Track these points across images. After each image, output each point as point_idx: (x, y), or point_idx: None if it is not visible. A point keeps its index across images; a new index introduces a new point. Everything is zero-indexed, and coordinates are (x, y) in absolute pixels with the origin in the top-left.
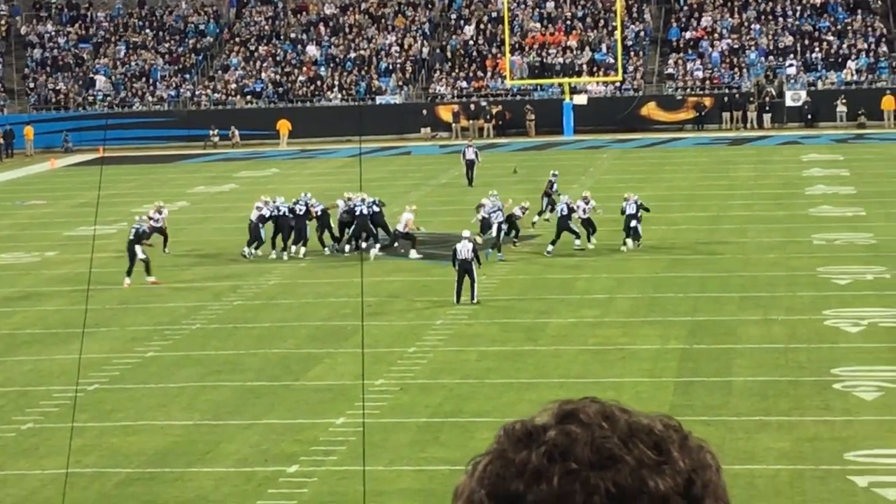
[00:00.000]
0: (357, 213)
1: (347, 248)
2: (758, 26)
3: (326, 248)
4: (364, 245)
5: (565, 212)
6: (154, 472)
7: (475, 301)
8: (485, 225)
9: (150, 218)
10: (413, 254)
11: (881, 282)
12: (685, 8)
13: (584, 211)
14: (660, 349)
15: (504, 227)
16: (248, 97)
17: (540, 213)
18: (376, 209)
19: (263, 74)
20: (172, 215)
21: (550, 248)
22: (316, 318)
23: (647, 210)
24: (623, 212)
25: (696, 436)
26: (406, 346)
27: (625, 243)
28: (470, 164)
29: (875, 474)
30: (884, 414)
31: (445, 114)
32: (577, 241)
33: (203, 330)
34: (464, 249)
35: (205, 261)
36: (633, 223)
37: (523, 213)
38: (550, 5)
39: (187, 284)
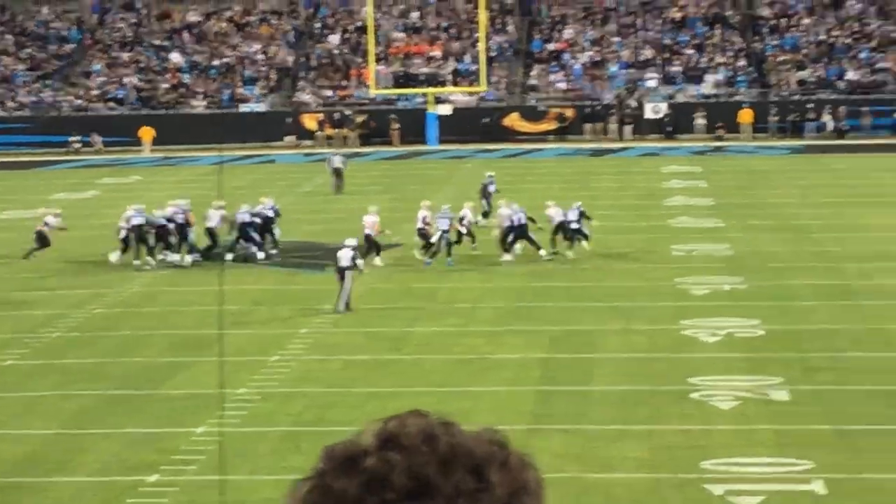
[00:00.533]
0: (240, 220)
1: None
2: (619, 39)
3: (189, 256)
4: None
5: (523, 221)
6: (12, 483)
7: (341, 310)
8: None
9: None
10: (377, 261)
11: (738, 292)
12: (548, 20)
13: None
14: (522, 358)
15: (447, 235)
16: (111, 103)
17: (485, 215)
18: (271, 214)
19: (126, 80)
20: (31, 223)
21: (508, 257)
22: (178, 327)
23: (588, 219)
24: (551, 220)
25: (520, 452)
26: (269, 354)
27: (571, 248)
28: (337, 173)
29: (730, 483)
30: (740, 423)
31: (310, 122)
32: (543, 252)
33: (63, 338)
34: (344, 257)
35: (66, 268)
36: (575, 225)
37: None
38: (415, 15)
39: (49, 292)
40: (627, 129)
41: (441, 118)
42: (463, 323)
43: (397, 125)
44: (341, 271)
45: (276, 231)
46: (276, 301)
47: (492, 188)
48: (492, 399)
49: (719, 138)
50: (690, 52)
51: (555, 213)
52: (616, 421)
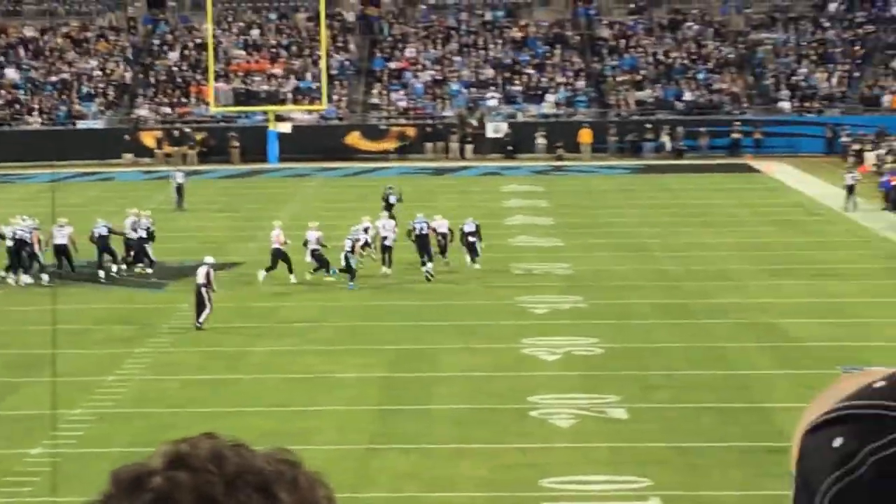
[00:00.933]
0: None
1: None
2: (460, 58)
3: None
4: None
5: (424, 230)
6: None
7: (199, 324)
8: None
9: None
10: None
11: (577, 311)
12: (389, 39)
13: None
14: (361, 377)
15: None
16: None
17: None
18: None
19: None
20: None
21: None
22: (14, 346)
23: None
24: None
25: (311, 471)
26: (105, 374)
27: (474, 261)
28: (179, 189)
29: (569, 501)
30: (578, 441)
31: (149, 140)
32: (429, 266)
33: None
34: (200, 273)
35: None
36: (472, 239)
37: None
38: (255, 33)
39: None
40: (469, 148)
41: (282, 136)
42: (302, 342)
43: (237, 143)
44: (199, 289)
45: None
46: (115, 320)
47: (392, 199)
48: (332, 418)
49: (559, 158)
50: (531, 71)
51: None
52: (456, 440)
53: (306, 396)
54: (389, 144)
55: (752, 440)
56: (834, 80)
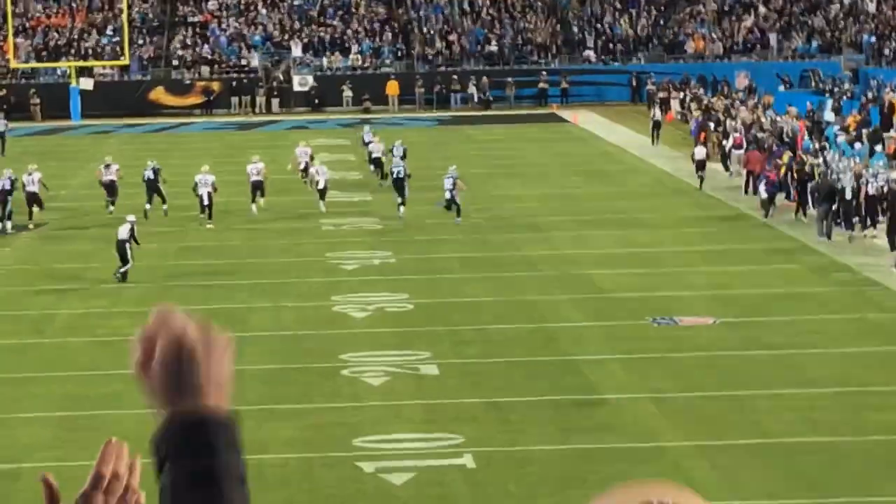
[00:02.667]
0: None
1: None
2: (264, 11)
3: None
4: None
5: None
6: None
7: (118, 275)
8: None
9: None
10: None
11: (387, 266)
12: None
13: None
14: None
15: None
16: None
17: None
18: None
19: None
20: None
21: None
22: None
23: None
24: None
25: None
26: None
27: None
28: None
29: (381, 460)
30: (390, 399)
31: None
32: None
33: None
34: (122, 230)
35: None
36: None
37: None
38: None
39: None
40: (275, 102)
41: (84, 93)
42: (109, 304)
43: (38, 100)
44: (120, 245)
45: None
46: None
47: (368, 137)
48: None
49: (367, 110)
50: (336, 23)
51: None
52: (266, 400)
53: (113, 360)
54: (194, 100)
55: (562, 394)
56: (638, 28)
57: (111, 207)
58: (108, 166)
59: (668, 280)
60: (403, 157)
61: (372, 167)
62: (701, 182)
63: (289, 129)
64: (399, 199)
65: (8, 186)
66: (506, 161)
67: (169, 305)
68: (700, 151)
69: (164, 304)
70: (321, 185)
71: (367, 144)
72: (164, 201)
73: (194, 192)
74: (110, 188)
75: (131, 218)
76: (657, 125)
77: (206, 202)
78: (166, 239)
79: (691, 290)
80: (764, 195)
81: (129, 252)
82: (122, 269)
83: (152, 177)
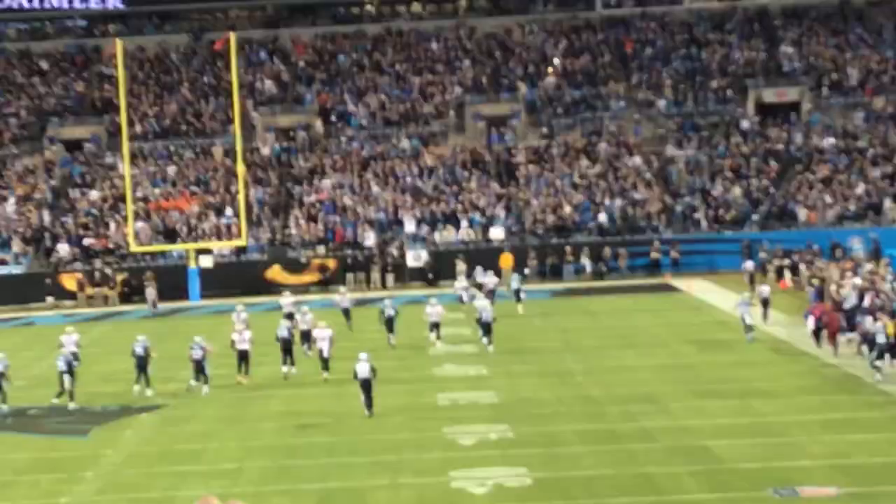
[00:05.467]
0: None
1: None
2: (377, 188)
3: None
4: None
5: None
6: None
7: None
8: None
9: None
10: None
11: (504, 441)
12: (306, 171)
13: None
14: None
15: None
16: None
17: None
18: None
19: None
20: None
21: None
22: None
23: None
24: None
25: None
26: None
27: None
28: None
29: None
30: None
31: (70, 282)
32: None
33: None
34: (362, 369)
35: None
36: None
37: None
38: (172, 170)
39: None
40: (390, 277)
41: (202, 272)
42: (229, 484)
43: (156, 283)
44: (364, 383)
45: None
46: (37, 470)
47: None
48: None
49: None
50: (448, 198)
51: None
52: None
53: None
54: (311, 277)
55: None
56: (749, 196)
57: (243, 379)
58: (241, 333)
59: (788, 449)
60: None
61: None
62: (817, 341)
63: (403, 304)
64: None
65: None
66: (620, 332)
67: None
68: (812, 322)
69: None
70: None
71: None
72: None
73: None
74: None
75: (363, 356)
76: (766, 302)
77: (325, 355)
78: (285, 417)
79: (812, 459)
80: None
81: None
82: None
83: (286, 335)
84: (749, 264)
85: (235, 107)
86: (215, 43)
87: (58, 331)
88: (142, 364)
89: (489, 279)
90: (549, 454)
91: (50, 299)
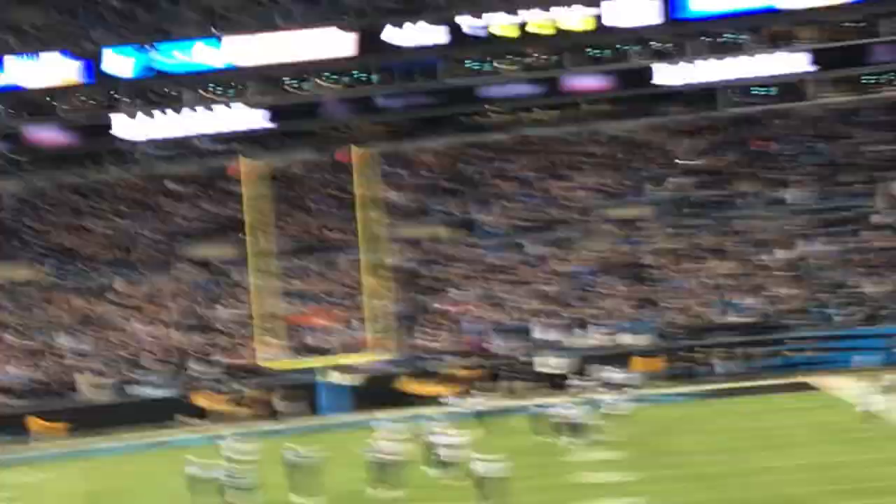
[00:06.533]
0: None
1: None
2: (506, 296)
3: None
4: None
5: None
6: None
7: None
8: None
9: None
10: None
11: None
12: (434, 281)
13: None
14: None
15: None
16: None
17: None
18: None
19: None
20: None
21: None
22: None
23: None
24: None
25: None
26: None
27: None
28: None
29: None
30: None
31: (203, 401)
32: None
33: None
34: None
35: None
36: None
37: None
38: (302, 285)
39: None
40: (521, 384)
41: (338, 387)
42: None
43: (285, 399)
44: None
45: None
46: None
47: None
48: None
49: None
50: (579, 303)
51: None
52: None
53: None
54: (445, 387)
55: None
56: (884, 289)
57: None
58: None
59: None
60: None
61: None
62: None
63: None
64: None
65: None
66: (758, 433)
67: None
68: None
69: None
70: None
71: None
72: None
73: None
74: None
75: None
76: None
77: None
78: None
79: None
80: None
81: None
82: None
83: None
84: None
85: (360, 220)
86: (337, 155)
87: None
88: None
89: (615, 375)
90: None
91: (183, 419)
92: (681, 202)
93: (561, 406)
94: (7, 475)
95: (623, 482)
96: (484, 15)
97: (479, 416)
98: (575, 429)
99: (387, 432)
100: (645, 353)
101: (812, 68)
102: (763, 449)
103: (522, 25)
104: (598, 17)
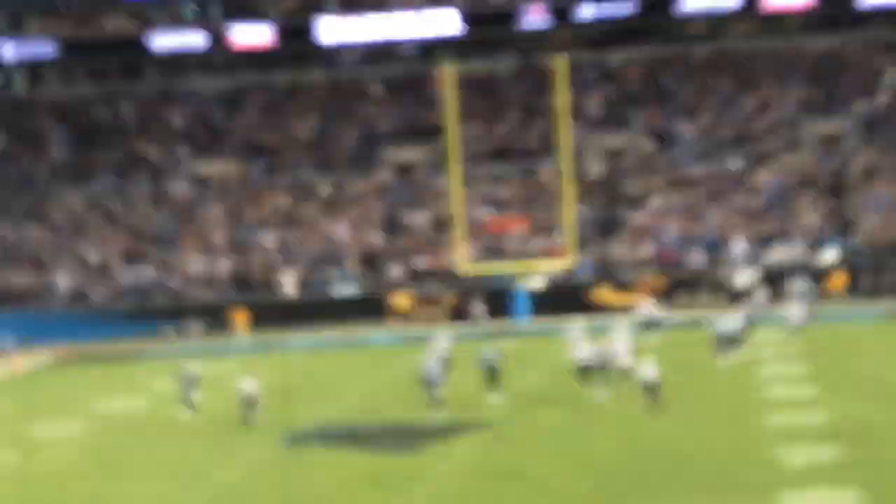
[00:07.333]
0: None
1: None
2: (706, 209)
3: None
4: None
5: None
6: None
7: None
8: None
9: None
10: None
11: (837, 464)
12: (635, 194)
13: None
14: None
15: None
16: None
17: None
18: None
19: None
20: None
21: None
22: None
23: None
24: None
25: None
26: None
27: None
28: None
29: None
30: None
31: (401, 302)
32: None
33: None
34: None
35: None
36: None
37: None
38: (500, 192)
39: None
40: (718, 297)
41: (531, 294)
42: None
43: (484, 304)
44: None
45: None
46: (365, 486)
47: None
48: None
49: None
50: (776, 218)
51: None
52: None
53: None
54: (639, 298)
55: None
56: None
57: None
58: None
59: None
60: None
61: None
62: None
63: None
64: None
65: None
66: None
67: None
68: None
69: None
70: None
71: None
72: None
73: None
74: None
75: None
76: None
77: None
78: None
79: None
80: None
81: None
82: None
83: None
84: None
85: (562, 128)
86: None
87: (393, 351)
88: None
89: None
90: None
91: (383, 319)
92: (885, 119)
93: (721, 321)
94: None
95: (811, 396)
96: None
97: (659, 325)
98: (731, 341)
99: (581, 337)
100: (838, 269)
101: None
102: None
103: None
104: None
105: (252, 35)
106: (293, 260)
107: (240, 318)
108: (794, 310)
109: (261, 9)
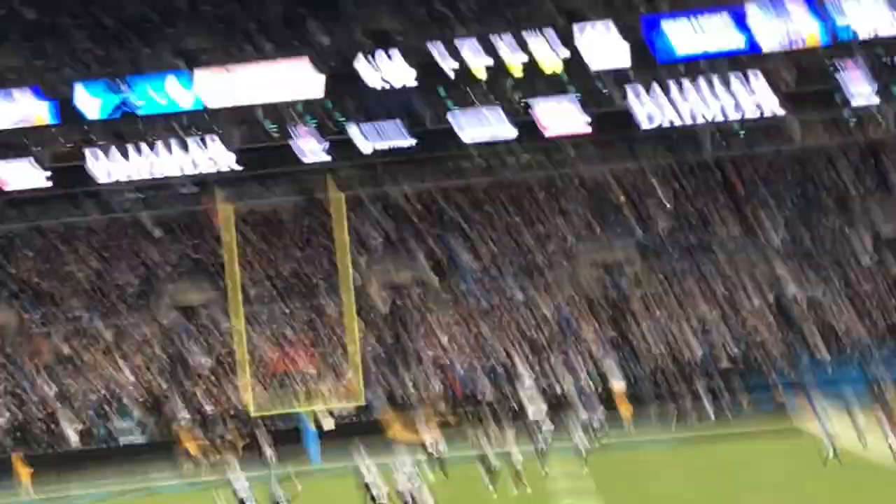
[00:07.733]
0: None
1: None
2: (492, 340)
3: None
4: None
5: None
6: None
7: None
8: None
9: None
10: None
11: None
12: (419, 323)
13: None
14: None
15: None
16: None
17: None
18: None
19: None
20: None
21: None
22: None
23: None
24: None
25: None
26: None
27: None
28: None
29: None
30: None
31: (190, 447)
32: None
33: None
34: None
35: None
36: None
37: None
38: (287, 331)
39: None
40: (510, 431)
41: (319, 433)
42: None
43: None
44: None
45: None
46: None
47: None
48: None
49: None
50: (556, 354)
51: None
52: None
53: None
54: (432, 433)
55: None
56: (872, 331)
57: None
58: None
59: None
60: None
61: None
62: None
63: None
64: None
65: None
66: (745, 478)
67: None
68: None
69: None
70: None
71: None
72: None
73: None
74: None
75: None
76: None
77: None
78: None
79: None
80: None
81: None
82: None
83: None
84: None
85: (345, 263)
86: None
87: (184, 498)
88: None
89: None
90: None
91: (170, 466)
92: (664, 246)
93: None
94: None
95: None
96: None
97: (442, 463)
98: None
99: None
100: (625, 395)
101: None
102: (749, 491)
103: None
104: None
105: (25, 178)
106: (73, 406)
107: (23, 471)
108: (582, 438)
109: (33, 150)
